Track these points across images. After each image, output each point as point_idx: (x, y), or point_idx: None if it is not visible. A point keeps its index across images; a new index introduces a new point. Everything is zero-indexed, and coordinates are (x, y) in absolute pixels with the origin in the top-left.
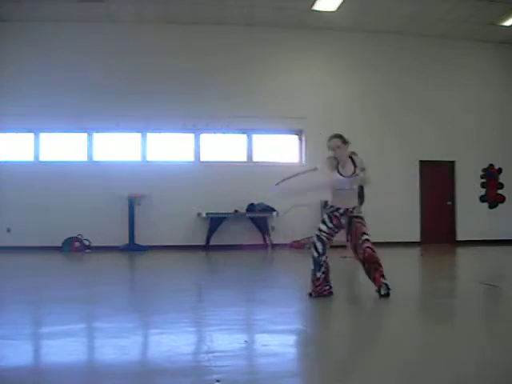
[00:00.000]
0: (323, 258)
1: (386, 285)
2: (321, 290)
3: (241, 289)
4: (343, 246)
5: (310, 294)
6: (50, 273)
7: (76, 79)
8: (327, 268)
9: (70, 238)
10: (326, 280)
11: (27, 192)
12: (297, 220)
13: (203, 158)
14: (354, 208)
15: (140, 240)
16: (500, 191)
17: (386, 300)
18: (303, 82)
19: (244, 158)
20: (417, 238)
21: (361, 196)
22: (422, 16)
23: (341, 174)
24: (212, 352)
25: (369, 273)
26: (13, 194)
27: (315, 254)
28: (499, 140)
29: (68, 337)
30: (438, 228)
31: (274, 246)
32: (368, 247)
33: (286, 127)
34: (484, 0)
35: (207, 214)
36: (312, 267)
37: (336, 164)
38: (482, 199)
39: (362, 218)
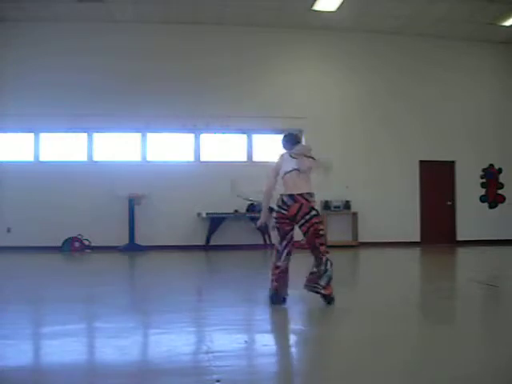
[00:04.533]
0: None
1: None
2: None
3: (241, 289)
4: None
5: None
6: (50, 273)
7: (76, 79)
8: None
9: (70, 237)
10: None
11: (27, 192)
12: None
13: (203, 158)
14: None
15: (140, 240)
16: (500, 191)
17: (385, 300)
18: (303, 82)
19: (244, 158)
20: (417, 238)
21: None
22: (422, 16)
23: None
24: (212, 352)
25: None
26: (13, 194)
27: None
28: (499, 140)
29: (68, 337)
30: (438, 228)
31: (273, 246)
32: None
33: (286, 127)
34: (484, 0)
35: (207, 213)
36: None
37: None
38: (482, 199)
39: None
